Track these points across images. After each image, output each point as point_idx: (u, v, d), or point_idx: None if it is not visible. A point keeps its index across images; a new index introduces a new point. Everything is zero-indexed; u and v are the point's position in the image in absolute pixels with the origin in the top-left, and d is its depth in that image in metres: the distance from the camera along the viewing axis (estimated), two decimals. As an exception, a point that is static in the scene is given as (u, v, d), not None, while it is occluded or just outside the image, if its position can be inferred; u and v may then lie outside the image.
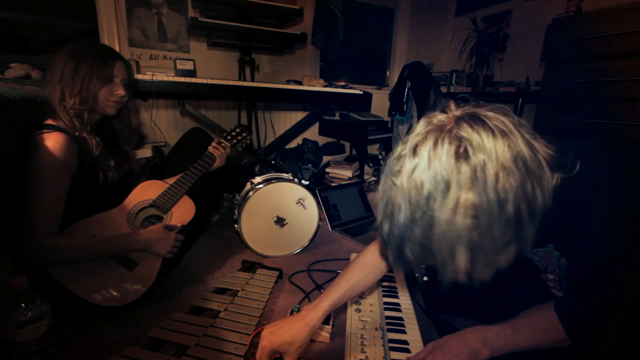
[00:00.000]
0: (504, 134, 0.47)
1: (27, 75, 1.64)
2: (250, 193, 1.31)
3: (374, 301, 1.00)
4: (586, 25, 1.77)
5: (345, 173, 2.42)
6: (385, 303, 1.00)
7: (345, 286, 0.79)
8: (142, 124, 1.22)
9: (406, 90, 2.59)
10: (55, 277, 0.87)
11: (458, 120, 0.49)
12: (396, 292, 1.07)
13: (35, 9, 2.08)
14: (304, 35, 2.27)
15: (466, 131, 0.47)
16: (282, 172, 1.58)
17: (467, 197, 0.46)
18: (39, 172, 0.87)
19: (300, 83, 2.33)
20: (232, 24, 2.01)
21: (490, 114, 0.50)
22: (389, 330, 0.88)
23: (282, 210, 1.37)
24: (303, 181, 1.44)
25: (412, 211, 0.49)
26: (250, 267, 1.22)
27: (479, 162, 0.46)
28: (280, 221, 1.37)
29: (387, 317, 0.93)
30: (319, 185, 1.87)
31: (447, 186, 0.46)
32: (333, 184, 2.22)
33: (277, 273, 1.18)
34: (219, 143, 1.30)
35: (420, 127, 0.52)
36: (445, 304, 1.01)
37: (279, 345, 0.70)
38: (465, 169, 0.46)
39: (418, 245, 0.50)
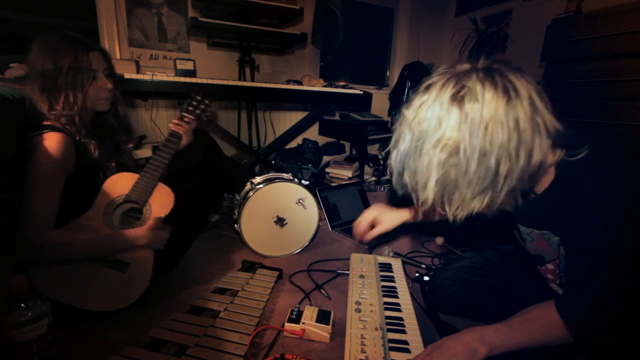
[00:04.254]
0: (507, 92, 0.51)
1: (27, 75, 1.63)
2: (250, 193, 1.31)
3: (374, 301, 1.00)
4: (586, 25, 1.77)
5: (345, 173, 2.42)
6: (385, 303, 1.00)
7: None
8: (129, 112, 1.17)
9: (406, 90, 2.59)
10: (46, 294, 0.81)
11: (471, 70, 0.54)
12: (396, 292, 1.07)
13: (35, 9, 2.08)
14: (304, 35, 2.27)
15: (472, 80, 0.52)
16: (282, 172, 1.58)
17: (451, 137, 0.52)
18: (34, 169, 0.86)
19: (300, 83, 2.33)
20: (232, 24, 2.01)
21: (510, 74, 0.53)
22: (389, 330, 0.88)
23: (282, 210, 1.37)
24: (303, 181, 1.44)
25: (411, 140, 0.56)
26: (250, 267, 1.22)
27: (471, 109, 0.51)
28: (280, 221, 1.37)
29: (387, 317, 0.93)
30: (319, 185, 1.87)
31: (439, 123, 0.53)
32: (333, 184, 2.22)
33: (277, 273, 1.18)
34: (181, 118, 1.20)
35: (442, 68, 0.58)
36: (445, 303, 1.01)
37: (375, 216, 0.97)
38: (455, 112, 0.52)
39: (412, 172, 0.57)
